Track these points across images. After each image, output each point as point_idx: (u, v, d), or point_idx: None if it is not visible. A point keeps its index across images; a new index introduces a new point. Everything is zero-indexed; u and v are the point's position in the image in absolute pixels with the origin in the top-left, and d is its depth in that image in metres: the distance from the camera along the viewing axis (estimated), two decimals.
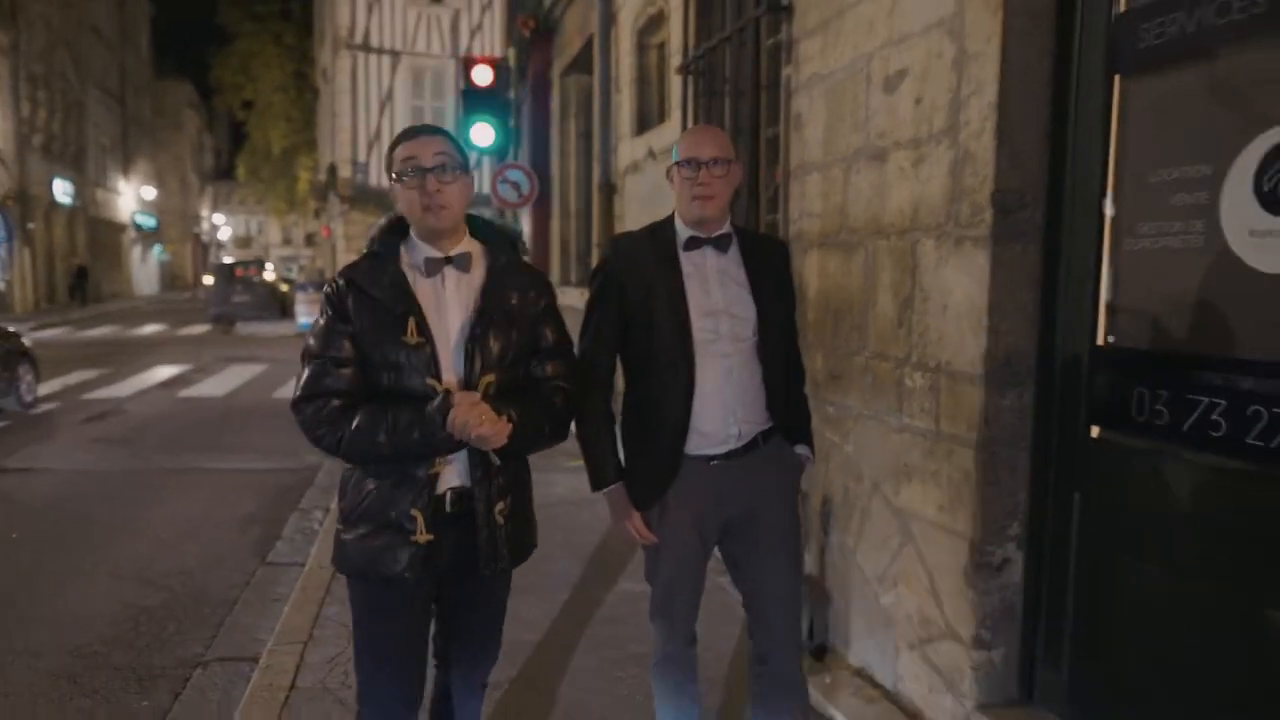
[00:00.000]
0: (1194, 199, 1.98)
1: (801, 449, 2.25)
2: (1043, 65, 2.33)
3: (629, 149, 5.82)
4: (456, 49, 21.15)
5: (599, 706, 2.99)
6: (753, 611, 2.23)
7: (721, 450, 2.11)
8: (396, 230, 1.94)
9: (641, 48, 5.70)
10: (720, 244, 2.13)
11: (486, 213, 3.94)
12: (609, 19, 6.01)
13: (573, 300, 7.67)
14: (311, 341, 1.86)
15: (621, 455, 2.19)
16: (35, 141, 25.50)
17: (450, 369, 1.83)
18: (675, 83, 4.65)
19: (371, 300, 1.82)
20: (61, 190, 27.49)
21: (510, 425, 1.75)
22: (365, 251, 1.95)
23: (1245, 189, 1.86)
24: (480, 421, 1.70)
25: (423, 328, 1.81)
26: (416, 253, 1.90)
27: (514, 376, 1.89)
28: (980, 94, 2.38)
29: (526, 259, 2.00)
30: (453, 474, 1.87)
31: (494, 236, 1.99)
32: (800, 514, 2.32)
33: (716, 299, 2.10)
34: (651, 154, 5.34)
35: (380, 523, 1.86)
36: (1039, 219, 2.38)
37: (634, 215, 5.79)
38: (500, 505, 1.90)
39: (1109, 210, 2.23)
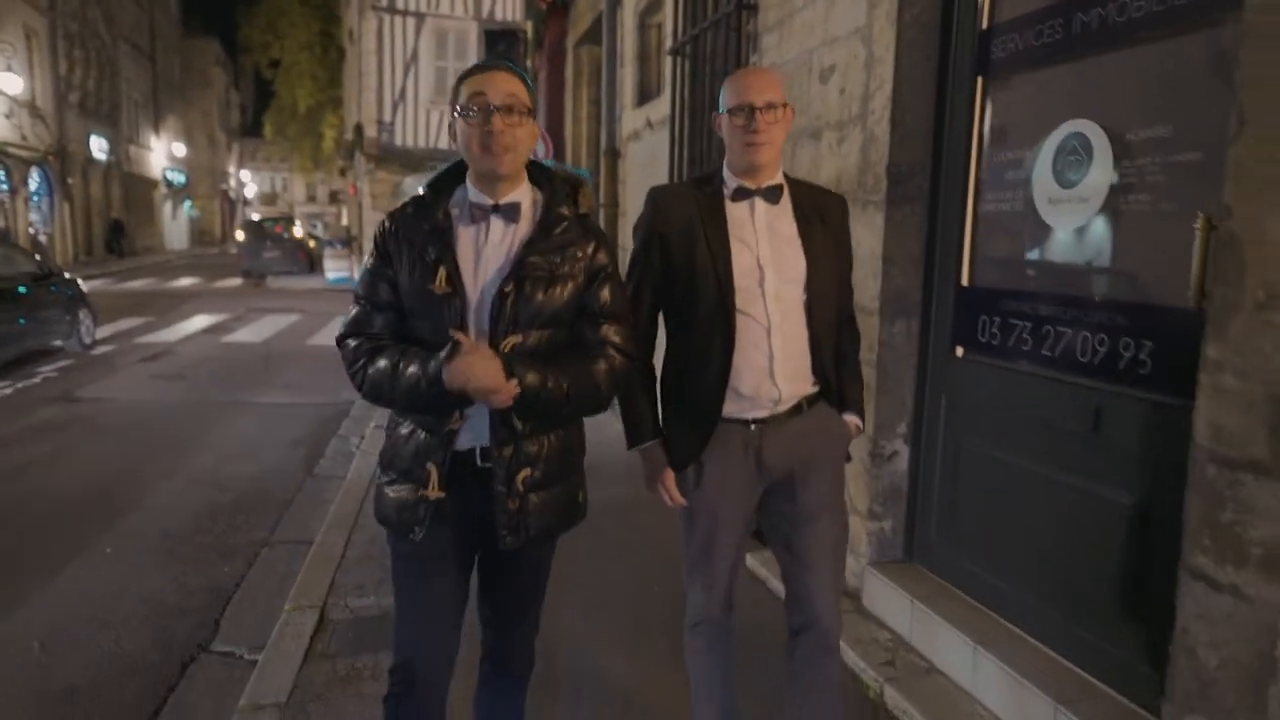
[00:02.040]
0: (1018, 174, 2.68)
1: (850, 416, 2.12)
2: (928, 67, 3.00)
3: (631, 119, 6.51)
4: (479, 11, 21.62)
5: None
6: (791, 581, 2.13)
7: (762, 414, 2.00)
8: (453, 174, 1.84)
9: (643, 27, 6.35)
10: (770, 195, 2.00)
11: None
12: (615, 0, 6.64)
13: None
14: (358, 283, 1.84)
15: (660, 414, 2.12)
16: (72, 99, 26.31)
17: (477, 325, 1.73)
18: (668, 62, 5.32)
19: (411, 245, 1.75)
20: (98, 146, 28.37)
21: (516, 388, 1.64)
22: (417, 195, 1.86)
23: (1047, 168, 2.55)
24: (480, 377, 1.60)
25: (453, 278, 1.71)
26: (466, 199, 1.79)
27: (554, 339, 1.75)
28: (882, 89, 3.06)
29: (585, 212, 1.86)
30: (477, 431, 1.77)
31: (554, 184, 1.84)
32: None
33: (763, 253, 1.97)
34: (649, 124, 6.01)
35: (403, 471, 1.82)
36: (924, 187, 3.06)
37: (635, 179, 6.49)
38: (525, 472, 1.78)
39: (972, 180, 2.92)
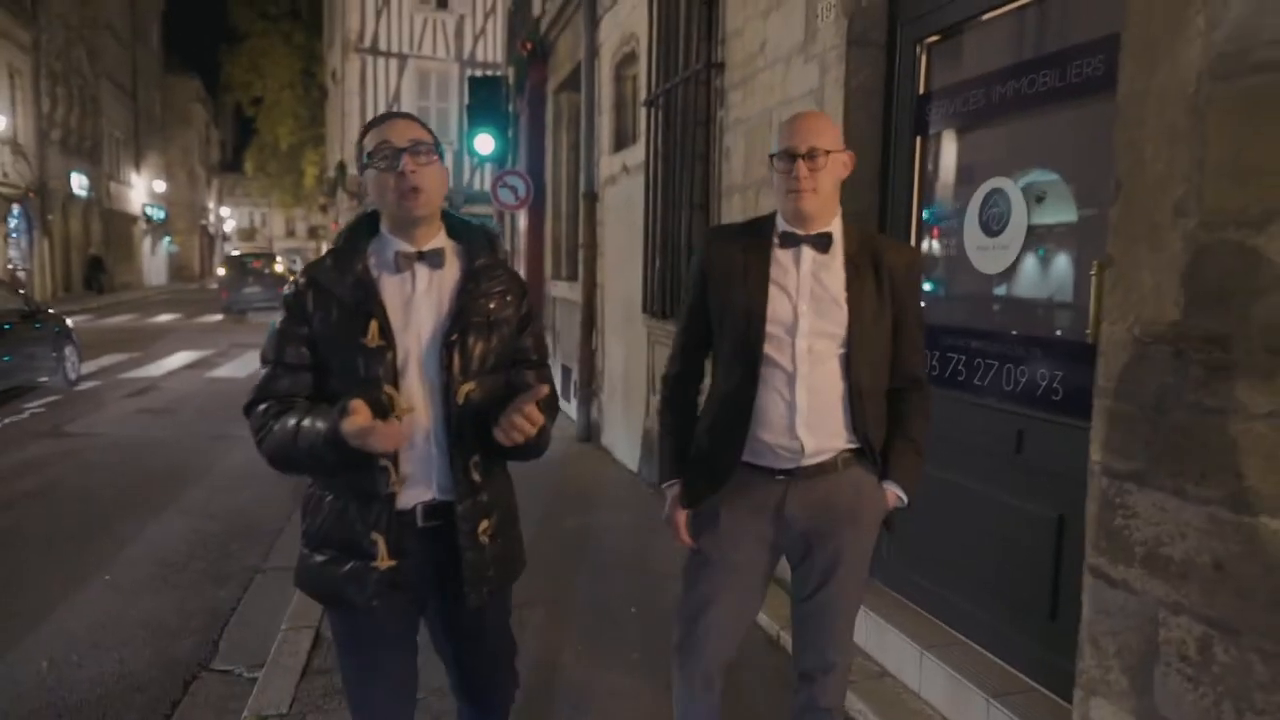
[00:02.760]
0: (951, 223, 3.00)
1: (890, 485, 2.00)
2: (872, 127, 3.33)
3: (608, 164, 6.84)
4: (461, 53, 22.14)
5: None
6: (800, 632, 2.10)
7: (787, 465, 1.94)
8: (365, 226, 1.80)
9: (619, 78, 6.71)
10: (819, 243, 1.94)
11: (478, 210, 4.80)
12: (593, 51, 7.01)
13: (563, 293, 8.69)
14: (267, 346, 1.76)
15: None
16: (54, 136, 26.48)
17: (418, 375, 1.70)
18: (643, 112, 5.66)
19: (333, 299, 1.69)
20: (78, 183, 28.48)
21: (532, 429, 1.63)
22: (330, 249, 1.80)
23: (975, 218, 2.87)
24: (380, 439, 1.55)
25: (385, 330, 1.67)
26: (386, 248, 1.74)
27: (494, 384, 1.76)
28: None
29: (504, 259, 1.88)
30: (421, 488, 1.74)
31: (471, 234, 1.85)
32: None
33: (801, 302, 1.92)
34: (625, 169, 6.35)
35: (341, 546, 1.74)
36: (872, 232, 3.38)
37: (611, 221, 6.81)
38: (484, 524, 1.78)
39: (913, 228, 3.24)
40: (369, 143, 1.72)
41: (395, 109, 22.26)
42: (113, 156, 33.91)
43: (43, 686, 3.37)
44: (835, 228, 1.97)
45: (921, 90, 3.19)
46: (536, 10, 9.35)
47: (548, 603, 3.90)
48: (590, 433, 7.25)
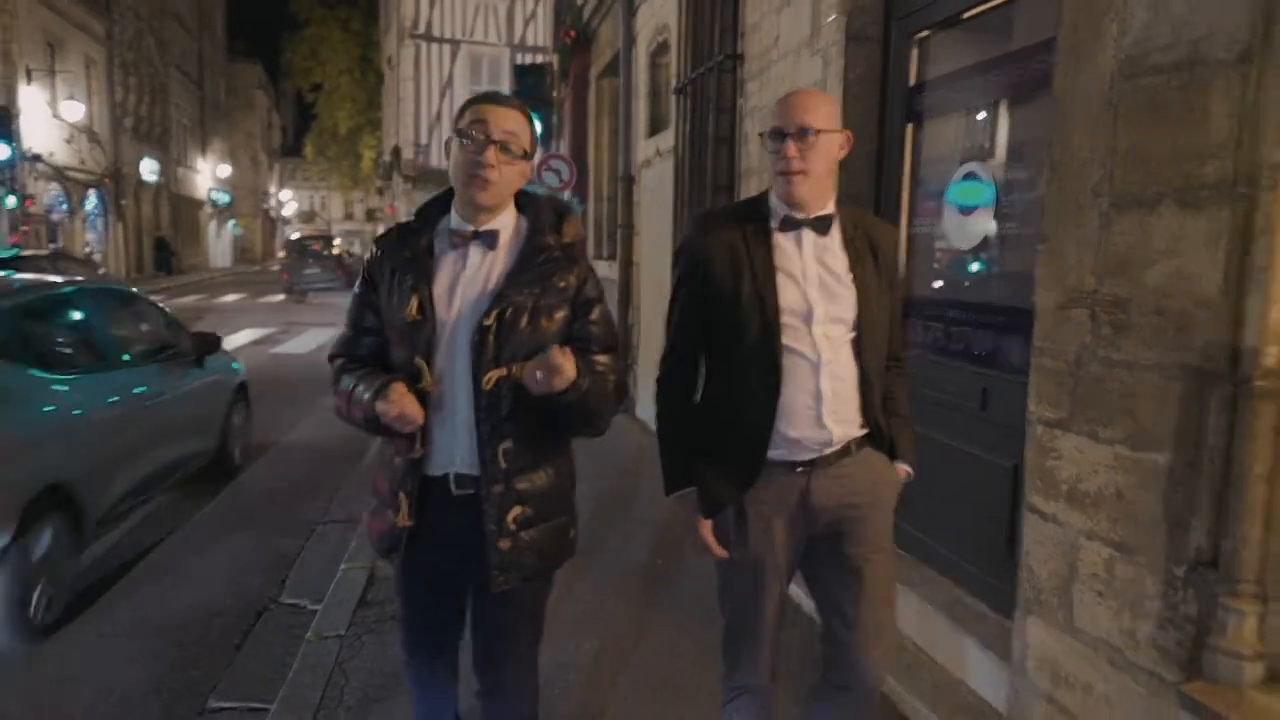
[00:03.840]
0: (935, 204, 3.30)
1: (900, 463, 2.02)
2: (870, 116, 3.63)
3: (643, 148, 7.19)
4: (512, 38, 22.58)
5: None
6: (834, 639, 2.01)
7: (809, 456, 1.88)
8: (442, 201, 1.84)
9: (654, 65, 7.04)
10: (820, 225, 1.88)
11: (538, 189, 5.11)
12: (630, 39, 7.35)
13: (604, 271, 9.08)
14: (349, 309, 1.89)
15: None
16: (126, 123, 27.71)
17: (454, 353, 1.72)
18: (673, 99, 5.99)
19: (393, 272, 1.77)
20: (148, 169, 29.75)
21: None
22: (405, 221, 1.88)
23: (953, 199, 3.17)
24: (402, 416, 1.66)
25: (424, 306, 1.70)
26: (449, 225, 1.80)
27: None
28: None
29: (571, 241, 1.84)
30: (451, 458, 1.77)
31: (540, 212, 1.82)
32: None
33: (810, 287, 1.86)
34: (659, 153, 6.69)
35: (383, 499, 1.86)
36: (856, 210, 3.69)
37: (647, 202, 7.17)
38: (516, 511, 1.77)
39: (904, 208, 3.54)
40: (467, 116, 1.73)
41: (448, 94, 22.88)
42: (180, 143, 35.26)
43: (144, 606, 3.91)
44: (832, 209, 1.91)
45: (912, 81, 3.47)
46: None
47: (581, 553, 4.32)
48: (627, 405, 7.65)
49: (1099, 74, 2.17)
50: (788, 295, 1.85)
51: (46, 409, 3.87)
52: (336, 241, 26.90)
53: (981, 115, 3.05)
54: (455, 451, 1.77)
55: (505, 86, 21.99)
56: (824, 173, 1.86)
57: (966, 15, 3.13)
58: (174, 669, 3.39)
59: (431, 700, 2.16)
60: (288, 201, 62.07)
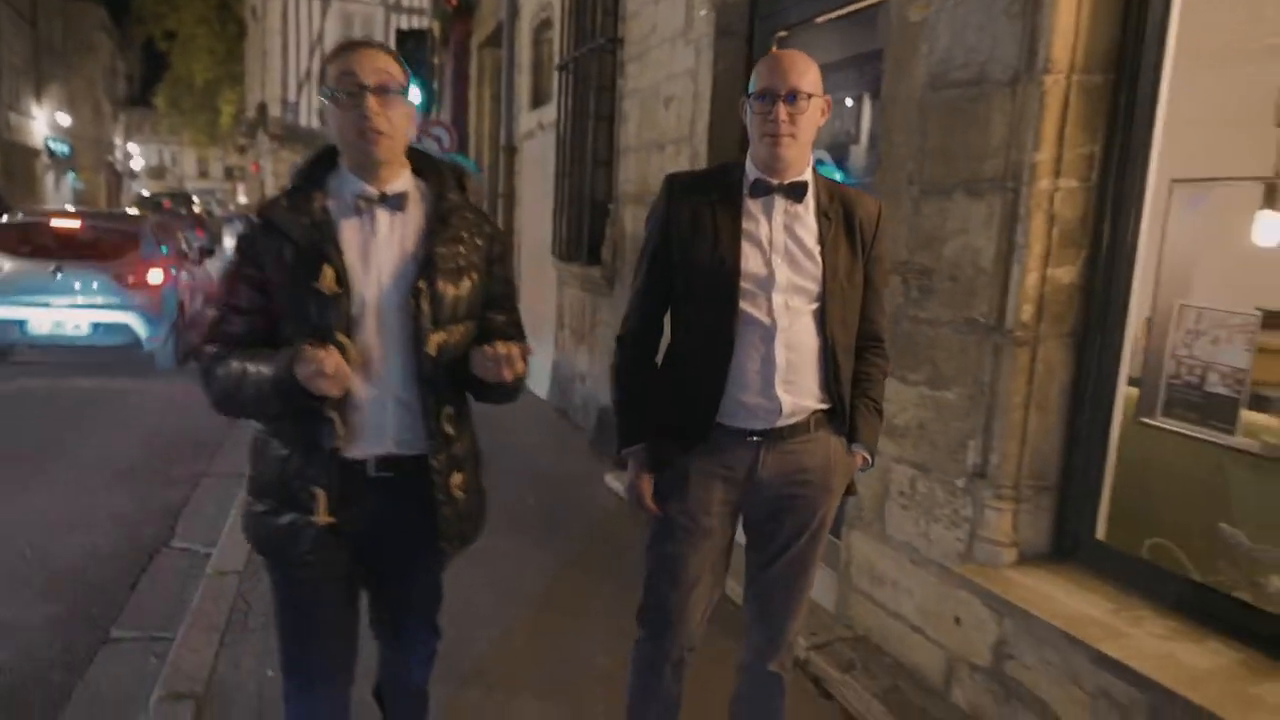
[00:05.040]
0: None
1: (858, 447, 1.94)
2: (735, 103, 4.06)
3: (526, 119, 7.46)
4: None
5: None
6: (752, 617, 2.07)
7: (761, 425, 1.86)
8: (324, 162, 1.69)
9: (537, 41, 7.30)
10: (793, 192, 1.85)
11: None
12: (514, 13, 7.57)
13: None
14: (218, 287, 1.71)
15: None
16: None
17: (377, 324, 1.62)
18: (555, 75, 6.29)
19: (287, 241, 1.60)
20: None
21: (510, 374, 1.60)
22: (286, 187, 1.71)
23: None
24: (333, 370, 1.50)
25: (341, 276, 1.58)
26: (345, 188, 1.65)
27: (469, 332, 1.69)
28: (703, 117, 4.12)
29: (472, 199, 1.78)
30: (375, 441, 1.66)
31: (439, 171, 1.74)
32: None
33: (775, 254, 1.84)
34: (541, 125, 6.98)
35: (281, 498, 1.67)
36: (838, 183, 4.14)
37: (529, 172, 7.45)
38: (458, 477, 1.72)
39: None
40: (332, 72, 1.59)
41: (318, 51, 22.09)
42: (11, 85, 32.39)
43: (25, 561, 3.96)
44: (808, 177, 1.88)
45: None
46: None
47: None
48: None
49: (914, 84, 2.66)
50: (749, 261, 1.83)
51: None
52: (195, 200, 25.57)
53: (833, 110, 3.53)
54: (385, 429, 1.66)
55: None
56: (808, 139, 1.85)
57: (819, 19, 3.60)
58: (72, 609, 3.52)
59: None
60: (135, 155, 57.96)
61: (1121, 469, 2.35)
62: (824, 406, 1.89)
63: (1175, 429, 2.22)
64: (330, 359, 1.50)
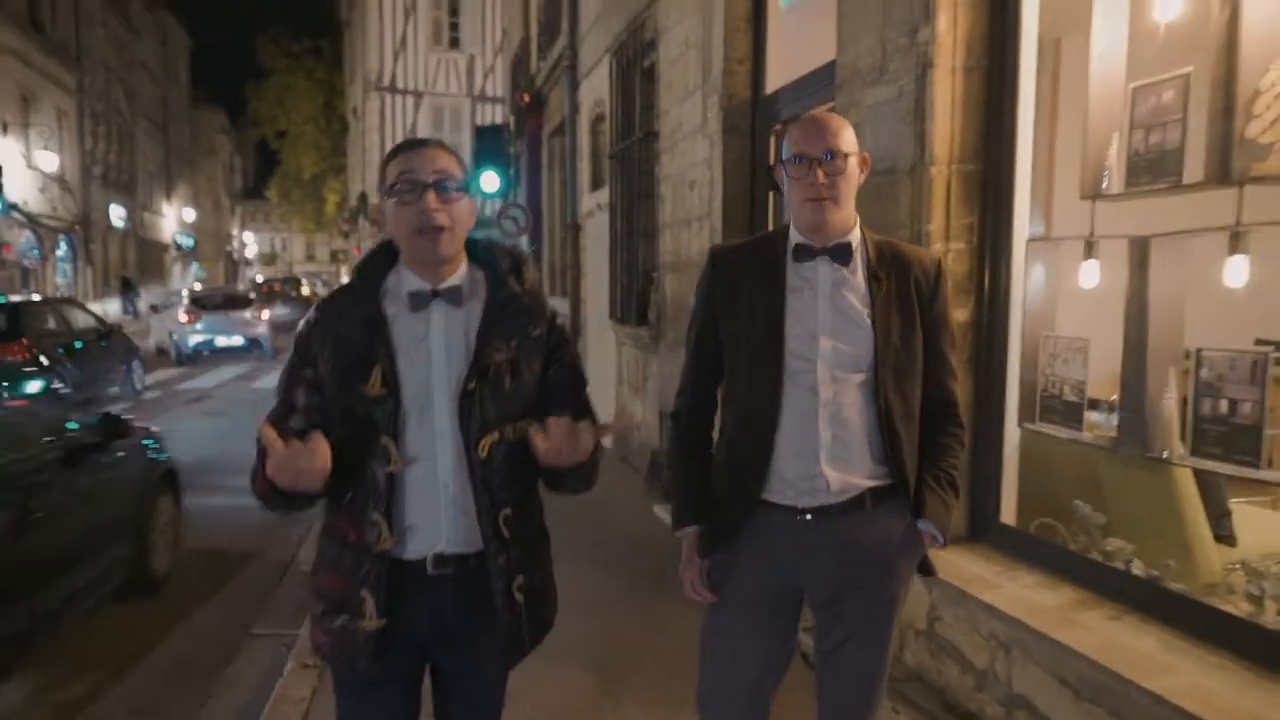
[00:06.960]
0: None
1: (925, 524, 1.79)
2: (742, 187, 4.87)
3: (587, 200, 8.46)
4: (472, 89, 23.94)
5: None
6: (825, 690, 1.93)
7: (810, 503, 1.76)
8: (383, 257, 1.68)
9: (594, 133, 8.33)
10: (839, 255, 1.79)
11: (495, 234, 6.03)
12: (574, 109, 8.65)
13: (558, 307, 10.29)
14: (279, 380, 1.69)
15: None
16: (95, 172, 28.50)
17: (425, 425, 1.59)
18: (608, 162, 7.26)
19: (340, 339, 1.60)
20: (116, 215, 30.48)
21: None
22: (344, 283, 1.71)
23: None
24: (303, 468, 1.44)
25: (388, 378, 1.56)
26: (402, 284, 1.64)
27: (520, 430, 1.58)
28: (717, 198, 4.94)
29: (530, 287, 1.73)
30: (430, 539, 1.61)
31: (495, 261, 1.70)
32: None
33: (822, 321, 1.77)
34: (599, 206, 7.94)
35: (334, 600, 1.63)
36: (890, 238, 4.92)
37: (591, 247, 8.40)
38: (520, 580, 1.65)
39: None
40: (391, 171, 1.60)
41: None
42: (146, 188, 36.01)
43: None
44: (854, 237, 1.82)
45: (771, 161, 4.72)
46: (533, 68, 11.01)
47: None
48: None
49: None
50: (793, 331, 1.76)
51: None
52: (304, 283, 27.81)
53: None
54: (441, 530, 1.61)
55: (466, 135, 23.29)
56: (850, 198, 1.81)
57: (804, 116, 4.38)
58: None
59: None
60: (250, 243, 62.66)
61: (1021, 465, 2.98)
62: (881, 483, 1.78)
63: (1048, 431, 2.82)
64: (282, 452, 1.44)
